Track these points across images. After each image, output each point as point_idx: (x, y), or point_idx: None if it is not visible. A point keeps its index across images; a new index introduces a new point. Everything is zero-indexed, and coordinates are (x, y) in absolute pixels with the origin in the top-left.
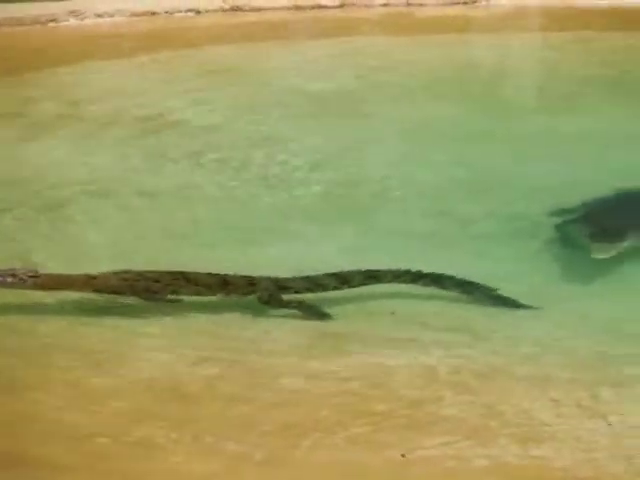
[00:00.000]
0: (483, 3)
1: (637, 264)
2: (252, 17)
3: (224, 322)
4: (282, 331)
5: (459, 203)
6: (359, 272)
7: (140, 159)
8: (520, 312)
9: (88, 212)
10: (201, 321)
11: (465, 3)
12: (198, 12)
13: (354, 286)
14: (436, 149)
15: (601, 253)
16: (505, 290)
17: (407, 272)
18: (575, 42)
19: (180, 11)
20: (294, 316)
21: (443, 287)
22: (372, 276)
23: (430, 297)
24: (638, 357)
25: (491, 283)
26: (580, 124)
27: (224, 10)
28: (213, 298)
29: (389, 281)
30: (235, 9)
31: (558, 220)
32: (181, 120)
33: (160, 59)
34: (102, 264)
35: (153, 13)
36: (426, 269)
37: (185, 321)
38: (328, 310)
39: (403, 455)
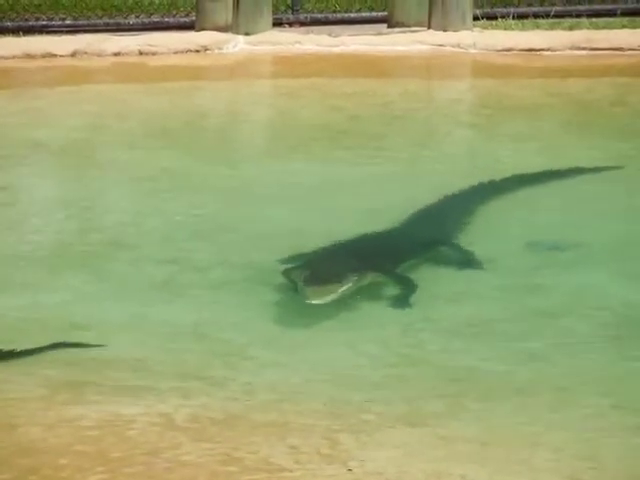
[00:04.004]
0: (215, 51)
1: (365, 308)
2: None
3: None
4: (19, 380)
5: (191, 251)
6: None
7: None
8: (259, 359)
9: None
10: None
11: (197, 51)
12: None
13: None
14: (168, 197)
15: (315, 298)
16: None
17: None
18: (306, 89)
19: None
20: (31, 364)
21: None
22: None
23: (168, 346)
24: (376, 403)
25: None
26: (310, 171)
27: None
28: None
29: None
30: None
31: (286, 267)
32: None
33: None
34: None
35: None
36: (159, 317)
37: None
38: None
39: None
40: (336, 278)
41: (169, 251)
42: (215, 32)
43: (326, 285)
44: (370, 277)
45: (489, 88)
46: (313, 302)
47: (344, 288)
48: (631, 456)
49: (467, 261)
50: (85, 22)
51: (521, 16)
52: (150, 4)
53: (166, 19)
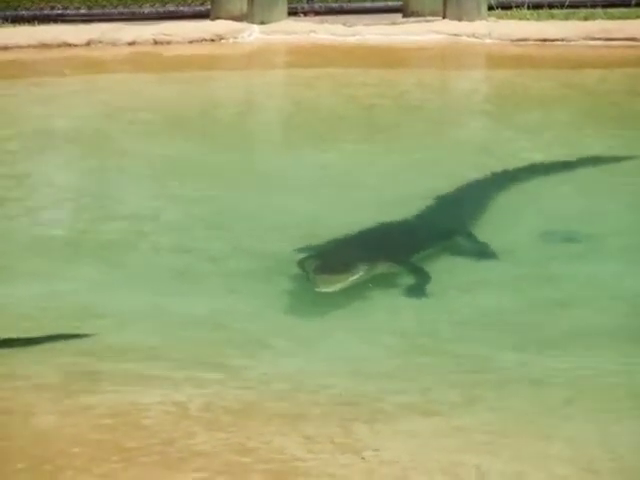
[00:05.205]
0: (230, 40)
1: (380, 298)
2: None
3: None
4: (34, 369)
5: (207, 240)
6: None
7: None
8: (274, 349)
9: None
10: None
11: (212, 40)
12: None
13: None
14: (183, 186)
15: (325, 286)
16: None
17: None
18: (321, 78)
19: None
20: (46, 353)
21: None
22: None
23: (183, 335)
24: (390, 393)
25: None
26: (326, 161)
27: None
28: None
29: None
30: None
31: (302, 256)
32: None
33: None
34: None
35: None
36: (175, 306)
37: None
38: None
39: None
40: (346, 267)
41: (185, 240)
42: (230, 21)
43: (336, 274)
44: (382, 267)
45: (504, 78)
46: (323, 291)
47: (354, 277)
48: None
49: (482, 251)
50: (100, 11)
51: (536, 6)
52: None
53: (181, 8)
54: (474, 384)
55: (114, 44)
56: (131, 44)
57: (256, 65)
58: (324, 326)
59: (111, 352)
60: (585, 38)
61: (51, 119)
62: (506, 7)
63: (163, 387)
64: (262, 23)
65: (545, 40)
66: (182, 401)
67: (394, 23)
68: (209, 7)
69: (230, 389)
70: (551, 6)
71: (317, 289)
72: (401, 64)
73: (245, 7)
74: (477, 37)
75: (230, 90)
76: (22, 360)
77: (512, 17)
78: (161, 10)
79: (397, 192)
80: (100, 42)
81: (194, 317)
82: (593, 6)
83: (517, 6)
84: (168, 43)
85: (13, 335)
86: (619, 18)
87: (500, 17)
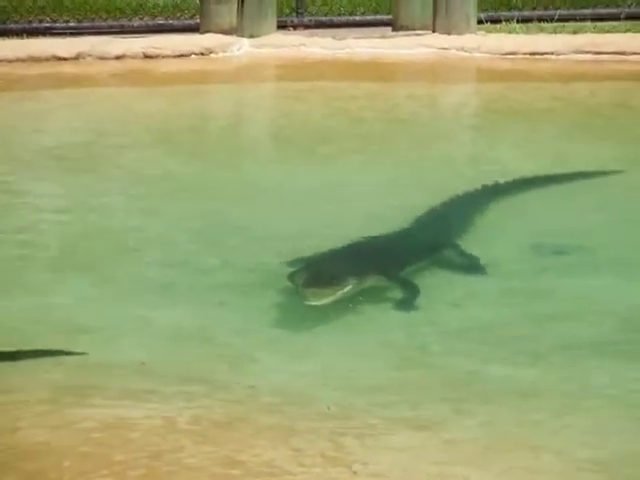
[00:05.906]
0: (220, 54)
1: (369, 312)
2: None
3: None
4: (23, 383)
5: (195, 254)
6: None
7: None
8: (263, 362)
9: None
10: None
11: (202, 54)
12: None
13: None
14: (172, 201)
15: (314, 299)
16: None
17: None
18: (311, 92)
19: None
20: (35, 367)
21: None
22: None
23: (171, 349)
24: (380, 407)
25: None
26: (315, 174)
27: None
28: None
29: None
30: None
31: (291, 269)
32: None
33: None
34: None
35: None
36: (163, 320)
37: None
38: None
39: None
40: (336, 280)
41: (173, 254)
42: (220, 35)
43: (326, 287)
44: (371, 280)
45: (493, 92)
46: (312, 304)
47: (344, 291)
48: (636, 461)
49: (471, 265)
50: (89, 24)
51: (525, 20)
52: (154, 6)
53: (170, 21)
54: (463, 397)
55: (103, 57)
56: (120, 57)
57: (246, 78)
58: (313, 339)
59: (100, 366)
60: (574, 52)
61: (39, 133)
62: (495, 21)
63: (151, 401)
64: (252, 37)
65: (534, 54)
66: (170, 415)
67: (384, 37)
68: (199, 21)
69: (219, 402)
70: (540, 20)
71: (306, 302)
72: (391, 77)
73: (235, 21)
74: (466, 51)
75: (220, 103)
76: (10, 374)
77: (501, 31)
78: (151, 23)
79: (387, 205)
80: (89, 55)
81: (183, 331)
82: (582, 20)
83: (506, 20)
84: (157, 56)
85: (0, 349)
86: (608, 32)
87: (489, 31)
